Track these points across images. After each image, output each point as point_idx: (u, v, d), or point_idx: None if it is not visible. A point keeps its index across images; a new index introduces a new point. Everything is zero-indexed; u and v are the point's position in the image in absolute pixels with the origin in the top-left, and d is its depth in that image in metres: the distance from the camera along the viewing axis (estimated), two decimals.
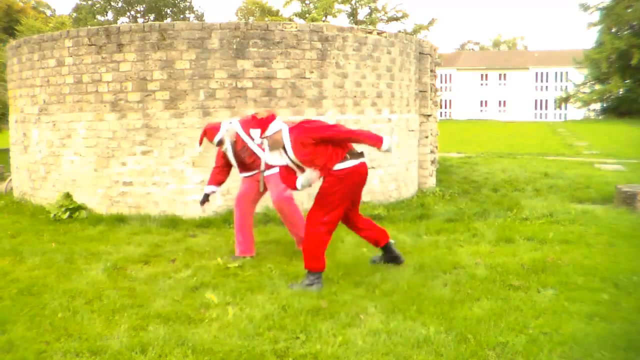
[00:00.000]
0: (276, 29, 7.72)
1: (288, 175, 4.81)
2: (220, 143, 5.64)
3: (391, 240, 5.34)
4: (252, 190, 5.86)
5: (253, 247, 5.83)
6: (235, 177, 7.63)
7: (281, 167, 4.88)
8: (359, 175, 4.81)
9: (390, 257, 5.34)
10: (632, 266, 5.22)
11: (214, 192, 5.90)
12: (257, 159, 5.68)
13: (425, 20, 53.19)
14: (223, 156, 5.80)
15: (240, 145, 5.68)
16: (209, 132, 5.66)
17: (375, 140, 4.73)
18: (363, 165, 4.84)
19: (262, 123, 4.77)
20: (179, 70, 7.57)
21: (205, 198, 5.88)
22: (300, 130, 4.72)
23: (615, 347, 3.54)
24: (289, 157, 4.75)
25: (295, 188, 4.76)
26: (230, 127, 5.67)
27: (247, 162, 5.72)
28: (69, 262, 5.61)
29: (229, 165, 5.86)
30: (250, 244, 5.81)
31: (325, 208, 4.72)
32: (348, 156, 4.75)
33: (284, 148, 4.75)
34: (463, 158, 15.25)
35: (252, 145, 5.65)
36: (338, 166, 4.70)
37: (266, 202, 7.65)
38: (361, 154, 4.86)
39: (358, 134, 4.93)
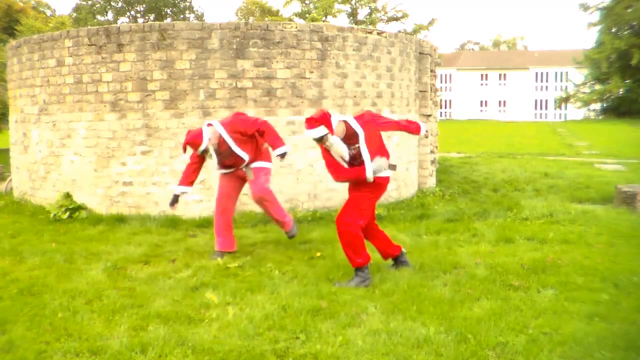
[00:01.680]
0: (276, 29, 7.72)
1: (338, 167, 4.88)
2: (205, 152, 5.56)
3: (403, 250, 5.36)
4: (232, 186, 5.87)
5: (234, 243, 5.86)
6: None
7: (332, 160, 4.89)
8: (386, 186, 5.07)
9: (400, 262, 5.34)
10: (632, 266, 5.22)
11: (184, 192, 5.78)
12: (239, 159, 5.63)
13: (425, 20, 53.27)
14: (198, 156, 5.67)
15: (224, 147, 5.59)
16: (192, 143, 5.51)
17: (415, 128, 5.15)
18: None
19: (321, 121, 4.69)
20: (179, 70, 7.57)
21: (175, 199, 5.74)
22: (371, 120, 4.88)
23: (615, 347, 3.54)
24: (356, 148, 4.77)
25: (342, 179, 4.93)
26: (212, 132, 5.55)
27: (228, 163, 5.67)
28: (69, 262, 5.61)
29: (202, 164, 5.78)
30: (232, 240, 5.83)
31: (363, 211, 4.89)
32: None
33: (349, 139, 4.77)
34: (463, 158, 15.25)
35: (235, 147, 5.57)
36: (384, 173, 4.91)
37: None
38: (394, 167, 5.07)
39: (401, 124, 5.23)
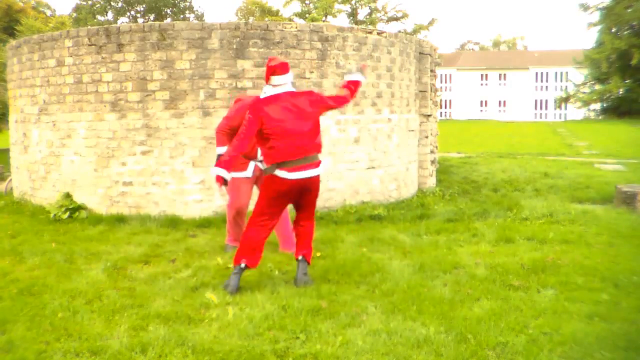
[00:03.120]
0: (276, 29, 7.72)
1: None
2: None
3: (299, 257, 4.96)
4: (247, 194, 5.86)
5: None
6: None
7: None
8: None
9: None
10: (632, 266, 5.22)
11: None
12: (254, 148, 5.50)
13: (425, 20, 53.27)
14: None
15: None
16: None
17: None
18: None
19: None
20: (179, 70, 7.57)
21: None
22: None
23: (615, 347, 3.54)
24: None
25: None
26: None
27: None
28: (69, 262, 5.61)
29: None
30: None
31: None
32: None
33: None
34: (463, 158, 15.25)
35: None
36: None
37: None
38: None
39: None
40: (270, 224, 4.76)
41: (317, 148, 4.68)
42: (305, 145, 4.58)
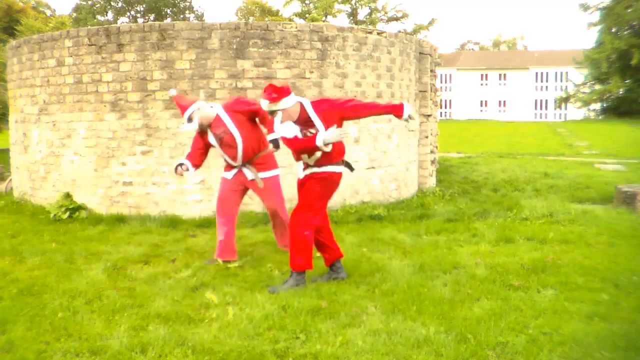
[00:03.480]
0: (276, 29, 7.72)
1: (295, 140, 4.63)
2: (189, 120, 5.36)
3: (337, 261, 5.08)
4: (234, 192, 5.67)
5: (235, 251, 5.63)
6: None
7: (286, 138, 4.67)
8: (338, 183, 4.91)
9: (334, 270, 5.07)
10: (632, 266, 5.22)
11: (187, 169, 5.48)
12: (236, 146, 5.41)
13: (425, 20, 53.21)
14: (202, 139, 5.51)
15: (220, 128, 5.39)
16: (180, 107, 5.43)
17: (396, 109, 4.61)
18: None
19: (277, 92, 4.57)
20: (179, 70, 7.57)
21: (180, 166, 5.45)
22: (329, 105, 4.67)
23: (615, 347, 3.54)
24: (311, 133, 4.60)
25: (293, 147, 4.65)
26: (205, 110, 5.38)
27: (227, 151, 5.46)
28: (69, 262, 5.61)
29: (206, 151, 5.60)
30: (233, 247, 5.61)
31: (316, 209, 4.79)
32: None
33: (304, 123, 4.61)
34: (463, 158, 15.25)
35: (231, 127, 5.36)
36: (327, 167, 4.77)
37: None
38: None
39: (380, 106, 4.88)
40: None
41: None
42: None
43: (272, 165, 5.72)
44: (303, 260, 4.75)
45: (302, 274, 4.79)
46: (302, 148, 4.62)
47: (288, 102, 4.58)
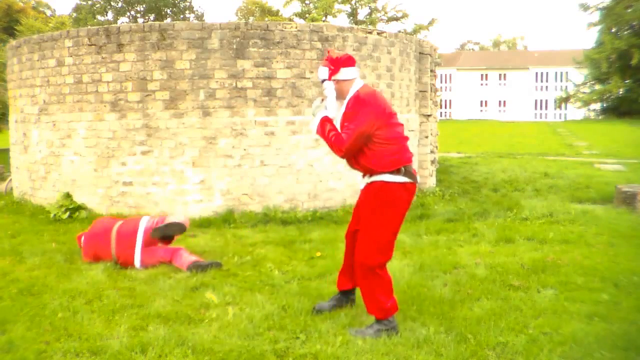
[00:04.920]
0: (276, 29, 7.72)
1: (322, 126, 3.90)
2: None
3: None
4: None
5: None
6: (235, 176, 7.64)
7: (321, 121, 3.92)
8: (409, 195, 3.91)
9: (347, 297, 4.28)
10: (632, 266, 5.22)
11: None
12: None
13: (425, 20, 53.20)
14: None
15: None
16: None
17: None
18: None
19: (334, 62, 3.86)
20: (179, 70, 7.56)
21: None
22: (352, 111, 3.82)
23: (615, 347, 3.54)
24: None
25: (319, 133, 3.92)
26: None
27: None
28: (69, 262, 5.61)
29: None
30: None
31: (382, 241, 3.81)
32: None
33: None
34: (463, 158, 15.25)
35: None
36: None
37: (266, 202, 7.66)
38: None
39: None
40: None
41: None
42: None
43: None
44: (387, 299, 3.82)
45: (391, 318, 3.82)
46: (323, 138, 3.89)
47: (346, 74, 3.85)
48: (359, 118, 3.72)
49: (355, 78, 3.89)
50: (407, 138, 3.93)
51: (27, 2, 46.94)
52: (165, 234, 5.50)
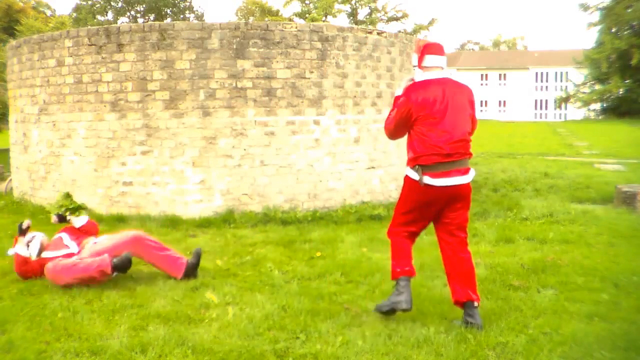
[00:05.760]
0: (276, 29, 7.72)
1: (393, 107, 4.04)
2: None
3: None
4: None
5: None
6: (235, 176, 7.64)
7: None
8: (439, 195, 4.02)
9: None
10: (632, 266, 5.22)
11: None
12: None
13: (425, 20, 53.15)
14: None
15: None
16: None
17: None
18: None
19: (420, 49, 3.89)
20: (179, 70, 7.56)
21: None
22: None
23: (615, 347, 3.54)
24: None
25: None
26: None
27: None
28: None
29: None
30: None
31: (402, 214, 4.09)
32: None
33: None
34: None
35: None
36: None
37: (266, 202, 7.66)
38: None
39: None
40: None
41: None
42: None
43: None
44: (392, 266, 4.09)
45: (398, 279, 4.02)
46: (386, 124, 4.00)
47: (430, 62, 3.89)
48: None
49: (438, 67, 3.91)
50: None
51: (27, 2, 46.94)
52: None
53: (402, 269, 4.00)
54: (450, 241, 4.05)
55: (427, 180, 3.85)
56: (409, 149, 3.94)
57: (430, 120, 3.81)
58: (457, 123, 3.88)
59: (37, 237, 5.18)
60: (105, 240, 5.09)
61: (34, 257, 5.00)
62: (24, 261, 4.99)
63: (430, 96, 3.82)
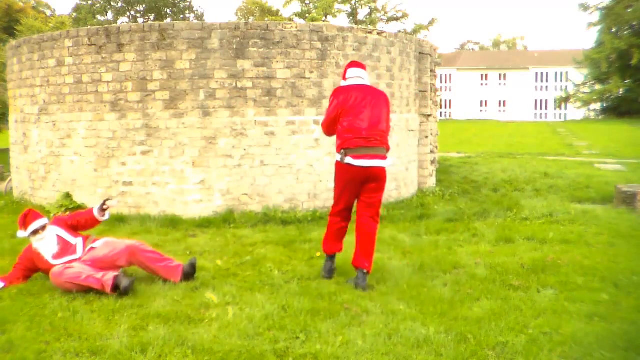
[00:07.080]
0: (276, 29, 7.72)
1: None
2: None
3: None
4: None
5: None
6: (235, 176, 7.64)
7: None
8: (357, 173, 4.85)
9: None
10: (632, 266, 5.22)
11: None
12: None
13: (425, 20, 53.19)
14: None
15: None
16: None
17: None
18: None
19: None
20: (179, 70, 7.56)
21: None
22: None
23: (615, 347, 3.54)
24: None
25: None
26: None
27: None
28: None
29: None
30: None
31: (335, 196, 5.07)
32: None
33: None
34: (463, 158, 15.25)
35: None
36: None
37: (266, 202, 7.67)
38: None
39: None
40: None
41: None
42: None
43: None
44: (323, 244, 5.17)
45: (326, 256, 5.14)
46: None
47: (351, 73, 5.06)
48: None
49: (357, 76, 5.06)
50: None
51: (27, 2, 46.91)
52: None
53: (330, 250, 5.10)
54: (363, 214, 4.88)
55: (349, 160, 4.71)
56: (337, 138, 4.86)
57: (352, 112, 4.76)
58: (374, 117, 4.78)
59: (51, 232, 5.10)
60: (102, 246, 5.03)
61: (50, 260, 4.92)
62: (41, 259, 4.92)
63: (350, 97, 4.83)
